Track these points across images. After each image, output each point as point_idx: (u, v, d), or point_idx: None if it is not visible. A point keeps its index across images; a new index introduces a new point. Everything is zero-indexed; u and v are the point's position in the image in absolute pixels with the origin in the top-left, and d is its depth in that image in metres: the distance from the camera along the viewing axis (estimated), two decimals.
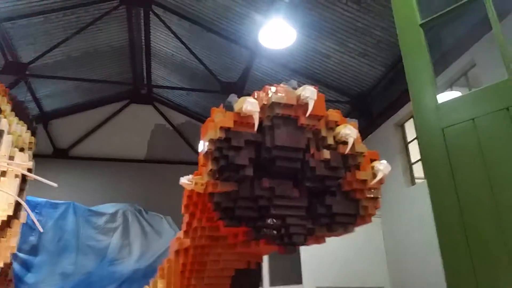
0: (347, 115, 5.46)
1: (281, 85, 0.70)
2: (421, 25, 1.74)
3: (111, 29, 5.74)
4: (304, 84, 0.89)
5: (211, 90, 5.75)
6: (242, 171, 0.62)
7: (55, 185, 0.76)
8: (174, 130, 6.84)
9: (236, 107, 0.62)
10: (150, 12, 5.46)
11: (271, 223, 0.62)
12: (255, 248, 0.65)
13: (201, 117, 6.80)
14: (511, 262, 1.25)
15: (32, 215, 0.81)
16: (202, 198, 0.64)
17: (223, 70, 5.63)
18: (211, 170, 0.62)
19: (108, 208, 4.84)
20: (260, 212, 0.62)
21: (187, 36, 5.52)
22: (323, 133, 0.71)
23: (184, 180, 0.67)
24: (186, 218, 0.67)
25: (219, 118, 0.63)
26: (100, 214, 4.68)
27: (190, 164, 6.17)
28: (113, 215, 4.75)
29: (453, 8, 1.65)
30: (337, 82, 5.36)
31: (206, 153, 0.63)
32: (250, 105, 0.60)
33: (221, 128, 0.61)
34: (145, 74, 6.50)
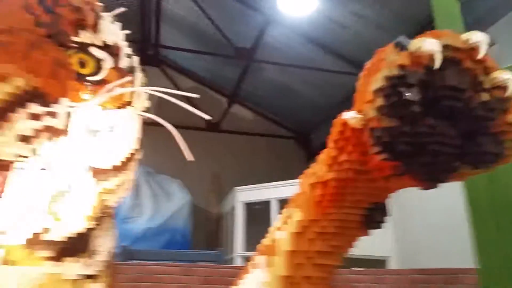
0: None
1: (446, 31, 0.71)
2: None
3: None
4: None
5: (223, 55, 5.65)
6: (412, 108, 0.63)
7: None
8: (183, 96, 6.76)
9: (413, 46, 0.62)
10: None
11: (427, 158, 0.64)
12: (395, 183, 0.67)
13: (209, 83, 6.72)
14: None
15: None
16: (357, 133, 0.65)
17: (236, 35, 5.52)
18: (379, 106, 0.63)
19: None
20: (418, 147, 0.64)
21: None
22: (481, 77, 0.72)
23: (349, 115, 0.67)
24: (331, 153, 0.68)
25: (394, 56, 0.63)
26: None
27: (196, 130, 6.15)
28: None
29: None
30: (351, 53, 5.32)
31: (377, 90, 0.63)
32: (431, 44, 0.60)
33: (397, 66, 0.61)
34: (154, 34, 6.34)
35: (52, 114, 0.55)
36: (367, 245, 4.59)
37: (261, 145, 6.92)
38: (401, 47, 0.67)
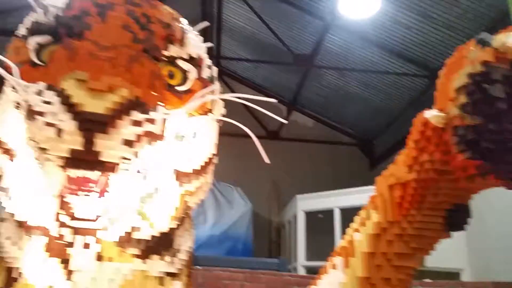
0: (426, 90, 5.21)
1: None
2: None
3: (185, 2, 5.83)
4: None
5: (283, 62, 5.70)
6: (497, 105, 0.60)
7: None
8: (242, 105, 6.90)
9: (496, 42, 0.59)
10: None
11: None
12: (479, 183, 0.64)
13: (269, 91, 6.80)
14: None
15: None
16: (438, 132, 0.64)
17: (295, 42, 5.54)
18: (463, 103, 0.61)
19: None
20: (503, 146, 0.61)
21: (259, 7, 5.47)
22: None
23: (430, 114, 0.65)
24: (411, 153, 0.67)
25: (477, 53, 0.61)
26: None
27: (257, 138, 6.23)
28: None
29: None
30: (416, 55, 5.10)
31: (460, 88, 0.61)
32: None
33: (481, 62, 0.59)
34: (215, 47, 6.57)
35: (151, 121, 0.60)
36: (438, 256, 4.33)
37: (322, 152, 6.83)
38: (484, 43, 0.64)
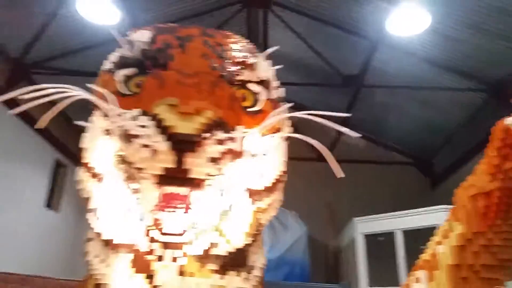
0: (484, 104, 4.96)
1: None
2: None
3: (233, 31, 6.06)
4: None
5: (332, 84, 5.70)
6: None
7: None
8: (292, 127, 6.94)
9: None
10: (269, 12, 5.62)
11: None
12: None
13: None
14: None
15: None
16: None
17: (342, 63, 5.54)
18: None
19: None
20: None
21: (305, 32, 5.56)
22: None
23: (511, 121, 0.64)
24: (493, 161, 0.65)
25: None
26: None
27: (307, 160, 6.20)
28: None
29: None
30: (472, 68, 4.89)
31: None
32: None
33: None
34: None
35: (232, 139, 0.65)
36: None
37: (377, 173, 6.63)
38: None
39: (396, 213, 4.49)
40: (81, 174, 0.85)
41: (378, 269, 4.44)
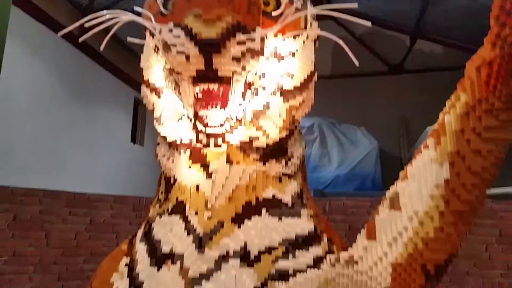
0: None
1: None
2: None
3: None
4: None
5: None
6: None
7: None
8: (357, 41, 6.60)
9: None
10: None
11: None
12: None
13: (386, 23, 6.34)
14: None
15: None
16: None
17: None
18: None
19: (304, 121, 5.16)
20: None
21: None
22: None
23: None
24: (493, 31, 0.66)
25: None
26: None
27: (377, 75, 5.97)
28: (310, 128, 5.08)
29: None
30: None
31: None
32: None
33: None
34: None
35: (252, 40, 0.75)
36: None
37: (455, 80, 6.17)
38: None
39: None
40: (144, 90, 1.02)
41: None
